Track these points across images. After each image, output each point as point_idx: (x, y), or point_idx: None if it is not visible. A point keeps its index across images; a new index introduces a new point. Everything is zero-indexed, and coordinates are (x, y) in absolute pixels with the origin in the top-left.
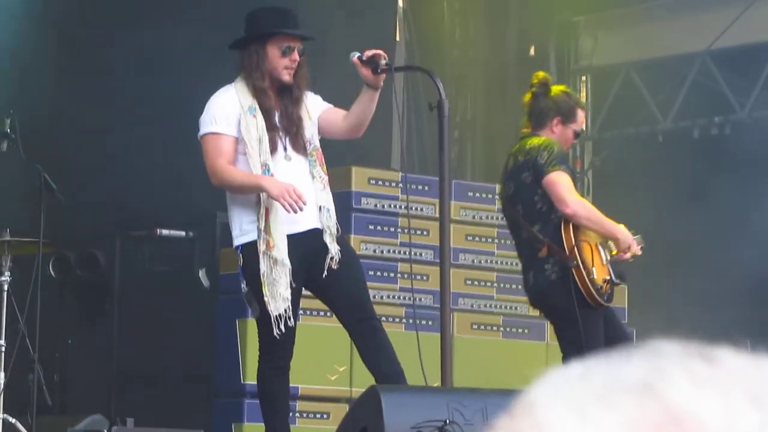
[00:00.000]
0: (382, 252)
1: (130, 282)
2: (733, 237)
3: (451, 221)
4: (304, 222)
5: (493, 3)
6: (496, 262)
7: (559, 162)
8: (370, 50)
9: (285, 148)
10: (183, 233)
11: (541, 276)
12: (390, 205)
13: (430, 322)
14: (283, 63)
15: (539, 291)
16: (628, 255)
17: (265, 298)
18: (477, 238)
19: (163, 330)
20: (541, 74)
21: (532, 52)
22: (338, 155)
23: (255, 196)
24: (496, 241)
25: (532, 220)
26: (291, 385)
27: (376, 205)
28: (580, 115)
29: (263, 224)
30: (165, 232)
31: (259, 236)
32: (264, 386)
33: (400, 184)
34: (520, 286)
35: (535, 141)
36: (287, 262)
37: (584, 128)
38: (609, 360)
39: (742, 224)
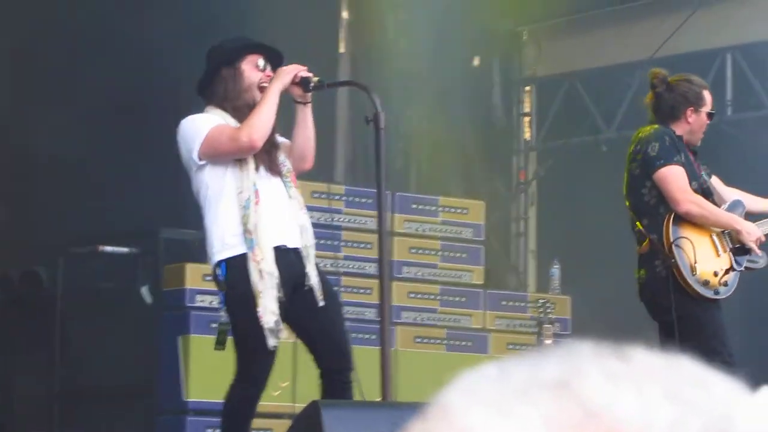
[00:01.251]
0: (325, 266)
1: (72, 299)
2: None
3: (395, 234)
4: (290, 239)
5: (437, 14)
6: (440, 275)
7: (672, 155)
8: (298, 70)
9: (266, 169)
10: (126, 249)
11: (652, 273)
12: (333, 219)
13: (372, 336)
14: (259, 78)
15: (649, 288)
16: (752, 243)
17: (259, 310)
18: (420, 251)
19: (106, 347)
20: (657, 71)
21: (476, 63)
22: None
23: (237, 210)
24: (440, 253)
25: (640, 214)
26: None
27: (319, 219)
28: (707, 96)
29: (256, 236)
30: (108, 248)
31: (250, 247)
32: (234, 413)
33: (344, 198)
34: (463, 299)
35: (647, 129)
36: (276, 272)
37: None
38: (524, 360)
39: None
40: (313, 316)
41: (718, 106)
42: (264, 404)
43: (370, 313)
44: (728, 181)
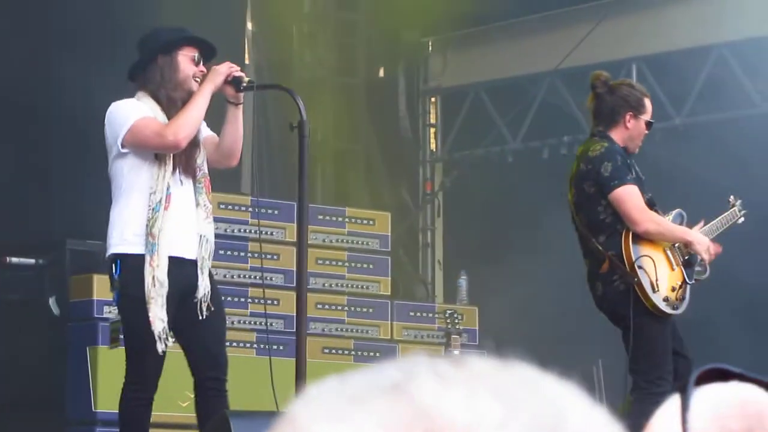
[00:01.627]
0: (232, 277)
1: None
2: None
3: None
4: (187, 248)
5: (341, 25)
6: (347, 286)
7: (624, 175)
8: (231, 70)
9: (182, 170)
10: (33, 261)
11: (610, 287)
12: (240, 230)
13: (281, 347)
14: (194, 71)
15: (608, 301)
16: (706, 257)
17: (150, 314)
18: (327, 262)
19: (12, 359)
20: (599, 74)
21: (381, 73)
22: None
23: (145, 209)
24: (347, 264)
25: (596, 232)
26: None
27: (225, 230)
28: (648, 104)
29: (157, 241)
30: (14, 259)
31: (150, 252)
32: (128, 416)
33: (250, 209)
34: (371, 309)
35: (597, 148)
36: (166, 284)
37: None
38: (364, 371)
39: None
40: (194, 327)
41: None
42: (172, 415)
43: (278, 324)
44: None
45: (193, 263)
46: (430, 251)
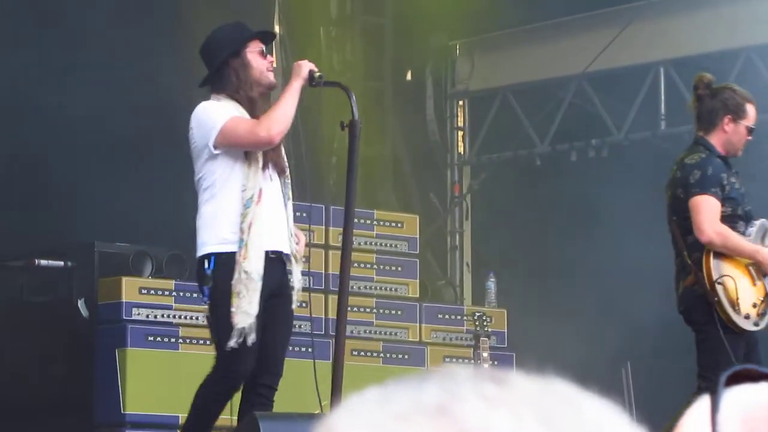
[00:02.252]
0: None
1: (6, 313)
2: (615, 260)
3: (330, 247)
4: (281, 242)
5: (369, 29)
6: (376, 288)
7: (709, 185)
8: (310, 65)
9: (273, 166)
10: (61, 263)
11: (689, 289)
12: None
13: (308, 349)
14: (265, 64)
15: (685, 302)
16: None
17: (232, 309)
18: (356, 264)
19: (41, 361)
20: (702, 76)
21: (408, 77)
22: None
23: (239, 207)
24: (375, 267)
25: (686, 232)
26: (168, 414)
27: None
28: (750, 110)
29: (247, 236)
30: (43, 262)
31: (240, 247)
32: (202, 405)
33: None
34: (400, 312)
35: (694, 157)
36: (258, 277)
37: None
38: (406, 385)
39: (621, 247)
40: (268, 328)
41: (653, 121)
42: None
43: (305, 326)
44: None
45: (287, 257)
46: (458, 254)
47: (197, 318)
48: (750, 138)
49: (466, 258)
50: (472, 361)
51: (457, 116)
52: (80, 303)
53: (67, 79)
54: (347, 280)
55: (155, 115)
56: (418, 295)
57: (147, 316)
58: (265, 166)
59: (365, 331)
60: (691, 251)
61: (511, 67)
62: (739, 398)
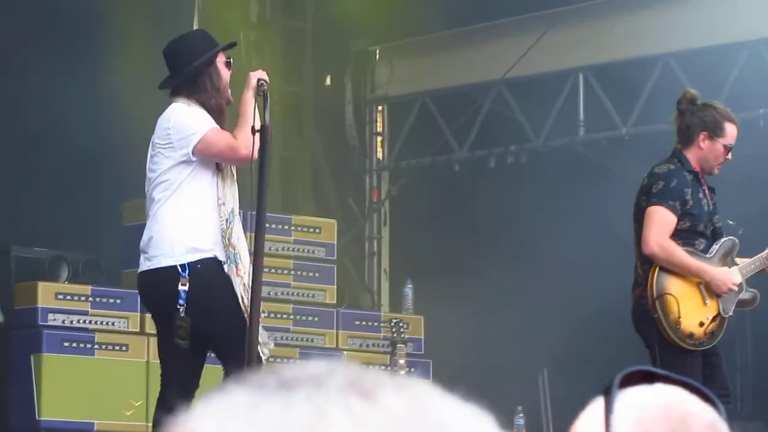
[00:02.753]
0: None
1: None
2: (532, 266)
3: (249, 254)
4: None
5: (288, 33)
6: (292, 294)
7: (668, 197)
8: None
9: (231, 177)
10: None
11: (638, 302)
12: None
13: None
14: (228, 76)
15: (634, 314)
16: (725, 293)
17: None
18: (273, 270)
19: None
20: (686, 91)
21: (328, 81)
22: (132, 188)
23: (218, 219)
24: (292, 272)
25: (641, 241)
26: (84, 420)
27: None
28: (729, 128)
29: (235, 251)
30: None
31: (233, 262)
32: None
33: None
34: (317, 318)
35: (663, 167)
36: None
37: (733, 143)
38: (273, 395)
39: (539, 253)
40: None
41: (571, 127)
42: (117, 423)
43: None
44: (582, 201)
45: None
46: (376, 260)
47: (113, 323)
48: (729, 158)
49: (384, 264)
50: (389, 367)
51: (376, 121)
52: None
53: None
54: (259, 286)
55: (75, 119)
56: (335, 302)
57: (63, 322)
58: (229, 177)
59: (282, 338)
60: (644, 262)
61: (430, 72)
62: (633, 399)
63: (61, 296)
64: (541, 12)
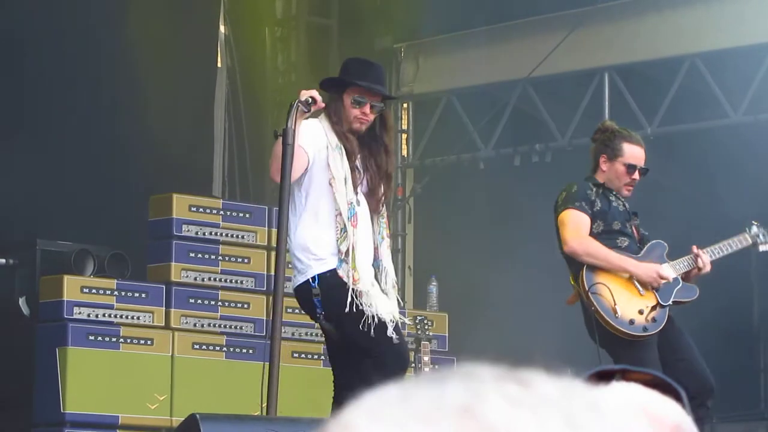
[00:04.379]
0: (203, 280)
1: None
2: (555, 260)
3: (274, 249)
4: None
5: (314, 30)
6: None
7: (572, 201)
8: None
9: (357, 192)
10: (3, 260)
11: (584, 307)
12: (211, 233)
13: (251, 351)
14: (353, 113)
15: (585, 322)
16: (652, 284)
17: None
18: None
19: None
20: (603, 122)
21: None
22: (159, 182)
23: (336, 224)
24: None
25: (568, 261)
26: (109, 414)
27: (197, 233)
28: (628, 148)
29: (351, 258)
30: None
31: (345, 270)
32: None
33: (222, 212)
34: None
35: (567, 184)
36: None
37: (641, 164)
38: (427, 383)
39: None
40: None
41: (596, 127)
42: (141, 417)
43: (248, 328)
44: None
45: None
46: (400, 257)
47: (139, 318)
48: (636, 177)
49: (408, 261)
50: (414, 365)
51: (401, 119)
52: (21, 301)
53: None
54: (281, 281)
55: (102, 112)
56: None
57: (88, 315)
58: (354, 190)
59: (306, 334)
60: (574, 271)
61: (455, 70)
62: None
63: (86, 290)
64: (567, 11)
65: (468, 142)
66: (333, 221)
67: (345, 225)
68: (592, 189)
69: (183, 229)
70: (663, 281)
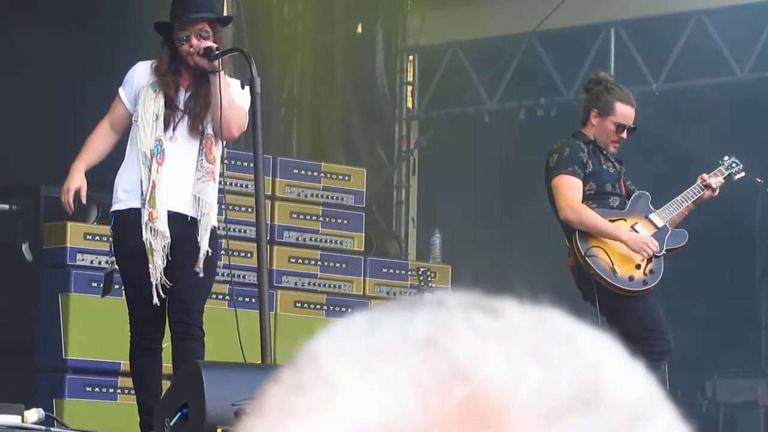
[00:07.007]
0: None
1: None
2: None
3: (276, 198)
4: (180, 204)
5: None
6: (321, 240)
7: (566, 165)
8: (202, 43)
9: (174, 129)
10: (6, 206)
11: (573, 269)
12: None
13: (253, 300)
14: (184, 50)
15: (577, 284)
16: (638, 253)
17: (150, 266)
18: (301, 216)
19: None
20: (598, 73)
21: (359, 30)
22: None
23: (142, 166)
24: (321, 219)
25: (561, 224)
26: (110, 360)
27: None
28: (620, 107)
29: (148, 196)
30: None
31: (143, 207)
32: (132, 365)
33: (225, 161)
34: (344, 265)
35: (557, 144)
36: (168, 234)
37: (630, 123)
38: (394, 313)
39: None
40: (174, 274)
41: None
42: None
43: (251, 277)
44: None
45: (188, 219)
46: (404, 209)
47: None
48: (624, 136)
49: (412, 213)
50: None
51: (407, 71)
52: (24, 247)
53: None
54: (263, 230)
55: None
56: (363, 249)
57: (91, 262)
58: (166, 128)
59: (309, 284)
60: (568, 234)
61: (462, 23)
62: None
63: (89, 237)
64: None
65: (473, 95)
66: (137, 160)
67: (149, 163)
68: (584, 149)
69: None
70: (652, 251)
